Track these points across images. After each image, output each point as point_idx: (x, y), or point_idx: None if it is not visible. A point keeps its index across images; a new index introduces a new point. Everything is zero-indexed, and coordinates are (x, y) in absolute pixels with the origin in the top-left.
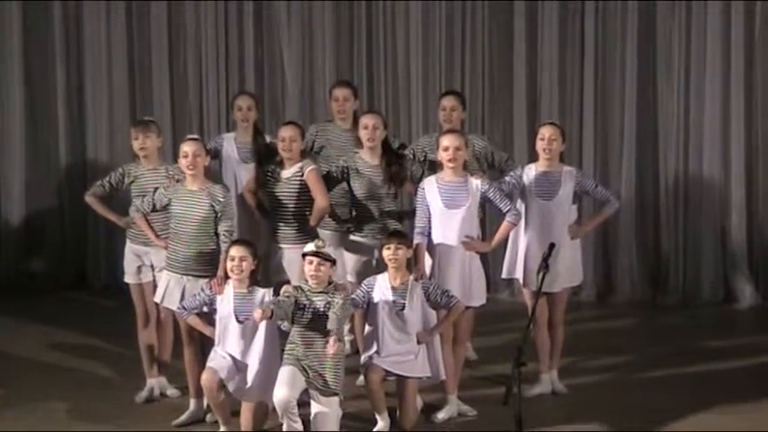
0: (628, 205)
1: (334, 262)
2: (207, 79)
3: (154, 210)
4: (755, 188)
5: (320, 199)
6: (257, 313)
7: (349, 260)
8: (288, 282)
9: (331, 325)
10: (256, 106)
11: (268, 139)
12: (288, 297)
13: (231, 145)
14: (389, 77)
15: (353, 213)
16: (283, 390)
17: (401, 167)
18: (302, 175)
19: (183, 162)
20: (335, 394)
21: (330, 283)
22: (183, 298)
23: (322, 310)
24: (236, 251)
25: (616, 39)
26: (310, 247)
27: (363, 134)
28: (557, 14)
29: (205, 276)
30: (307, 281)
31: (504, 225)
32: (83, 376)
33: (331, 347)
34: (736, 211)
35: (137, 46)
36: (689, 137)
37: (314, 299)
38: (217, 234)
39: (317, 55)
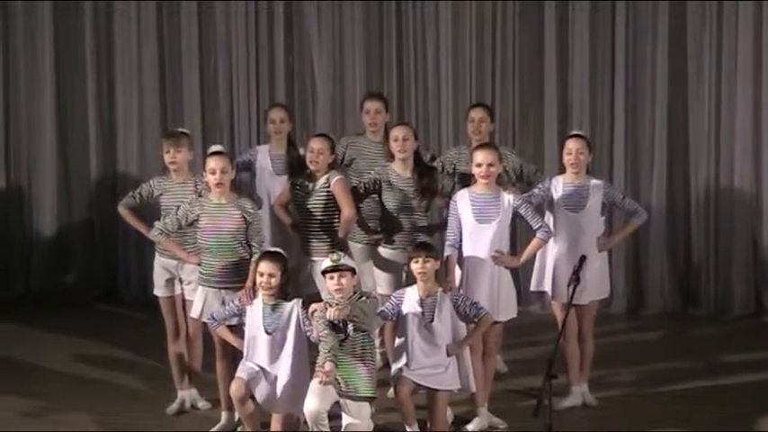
0: (658, 216)
1: (353, 271)
2: (238, 90)
3: (180, 228)
4: None
5: (347, 209)
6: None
7: (379, 273)
8: (318, 294)
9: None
10: (290, 118)
11: (302, 151)
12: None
13: (265, 157)
14: (420, 88)
15: (384, 226)
16: (314, 401)
17: (433, 180)
18: (329, 187)
19: (210, 179)
20: (368, 399)
21: (355, 293)
22: None
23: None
24: (265, 267)
25: (646, 48)
26: (327, 263)
27: (394, 146)
28: (587, 22)
29: (242, 287)
30: (333, 296)
31: (535, 241)
32: (113, 388)
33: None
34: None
35: (167, 58)
36: (720, 147)
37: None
38: (249, 244)
39: (348, 65)
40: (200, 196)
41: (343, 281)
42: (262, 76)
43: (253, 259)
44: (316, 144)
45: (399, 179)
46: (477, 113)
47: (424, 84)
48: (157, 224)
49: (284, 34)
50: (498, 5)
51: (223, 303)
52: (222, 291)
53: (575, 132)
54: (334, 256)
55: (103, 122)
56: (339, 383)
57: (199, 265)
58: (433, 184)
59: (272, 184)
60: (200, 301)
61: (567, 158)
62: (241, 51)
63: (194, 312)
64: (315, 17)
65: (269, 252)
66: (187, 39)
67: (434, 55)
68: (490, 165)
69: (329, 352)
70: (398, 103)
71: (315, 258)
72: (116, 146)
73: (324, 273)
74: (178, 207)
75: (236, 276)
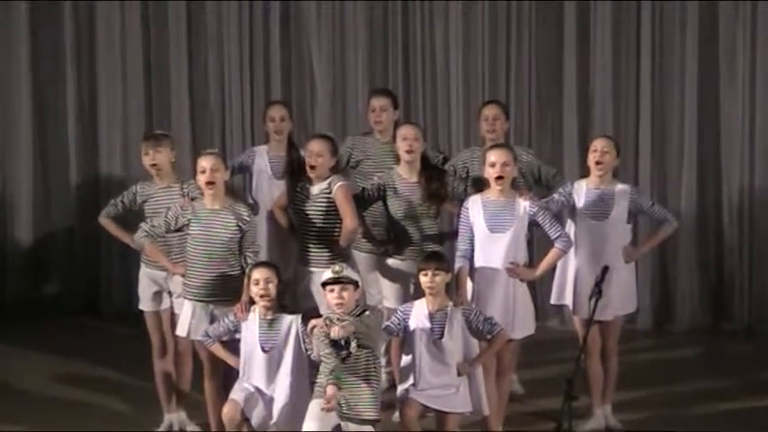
0: (688, 224)
1: (356, 284)
2: (230, 88)
3: (168, 231)
4: None
5: (348, 219)
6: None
7: (385, 285)
8: (317, 308)
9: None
10: (290, 116)
11: (302, 152)
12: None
13: (263, 159)
14: (428, 86)
15: (390, 234)
16: (314, 424)
17: (441, 184)
18: (330, 192)
19: (200, 179)
20: (371, 423)
21: (357, 306)
22: None
23: (354, 336)
24: (259, 273)
25: (674, 44)
26: (328, 274)
27: (402, 146)
28: (610, 17)
29: (234, 302)
30: (333, 311)
31: (553, 252)
32: (95, 410)
33: (338, 330)
34: None
35: (153, 53)
36: (754, 150)
37: None
38: (242, 255)
39: (350, 61)
40: (192, 200)
41: (345, 294)
42: (256, 73)
43: (246, 271)
44: (315, 146)
45: (405, 184)
46: (490, 111)
47: (432, 81)
48: (144, 226)
49: (280, 28)
50: (513, 4)
51: (212, 319)
52: (211, 305)
53: (603, 134)
54: (336, 267)
55: (84, 123)
56: (341, 405)
57: (183, 276)
58: (443, 188)
59: (271, 188)
60: (188, 317)
61: (591, 157)
62: (233, 46)
63: (181, 330)
64: (314, 12)
65: (259, 261)
66: (175, 33)
67: (444, 54)
68: (505, 164)
69: (331, 374)
70: (405, 102)
71: (313, 269)
72: (98, 147)
73: (324, 285)
74: (168, 209)
75: (225, 289)
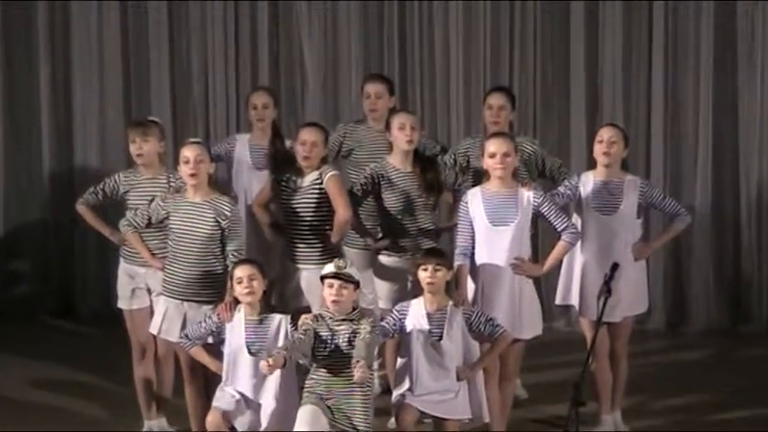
0: (703, 220)
1: (357, 284)
2: (214, 75)
3: (149, 224)
4: None
5: (342, 210)
6: (265, 365)
7: (380, 283)
8: (307, 308)
9: (358, 353)
10: (275, 104)
11: (288, 143)
12: (306, 332)
13: (244, 147)
14: (426, 74)
15: (385, 229)
16: (305, 428)
17: (438, 173)
18: (321, 183)
19: (183, 169)
20: None
21: (354, 309)
22: (184, 328)
23: (346, 340)
24: (242, 271)
25: (688, 34)
26: (330, 267)
27: (400, 135)
28: (620, 8)
29: (209, 302)
30: (327, 307)
31: (560, 245)
32: (69, 417)
33: (358, 372)
34: None
35: (132, 38)
36: None
37: (336, 328)
38: (223, 253)
39: (342, 47)
40: (177, 191)
41: (344, 292)
42: (242, 60)
43: (229, 270)
44: (308, 135)
45: (400, 175)
46: (495, 99)
47: (430, 70)
48: (128, 214)
49: (268, 14)
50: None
51: (184, 320)
52: (185, 304)
53: (610, 122)
54: (340, 263)
55: (58, 111)
56: (332, 411)
57: (162, 270)
58: (439, 177)
59: (251, 180)
60: (160, 314)
61: (597, 148)
62: (218, 31)
63: (153, 328)
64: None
65: (241, 259)
66: (155, 15)
67: (443, 40)
68: (505, 155)
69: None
70: (401, 89)
71: (303, 266)
72: (73, 137)
73: (323, 278)
74: (151, 200)
75: (202, 289)
